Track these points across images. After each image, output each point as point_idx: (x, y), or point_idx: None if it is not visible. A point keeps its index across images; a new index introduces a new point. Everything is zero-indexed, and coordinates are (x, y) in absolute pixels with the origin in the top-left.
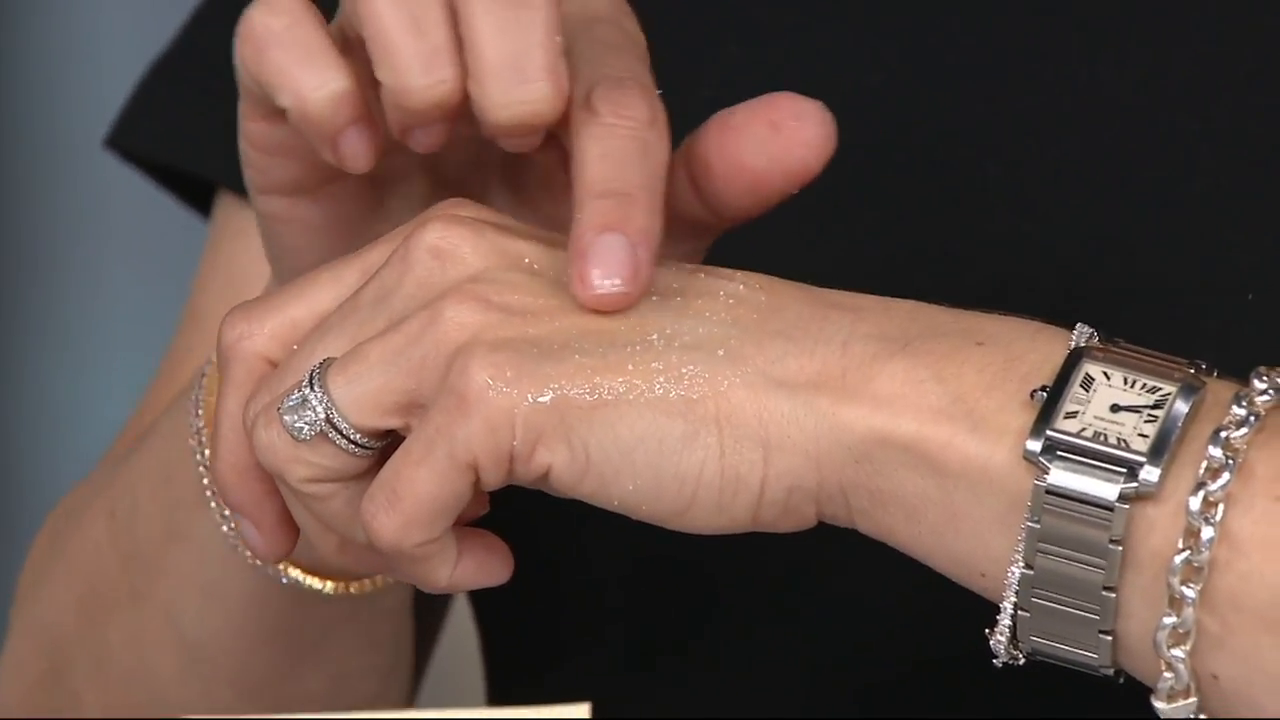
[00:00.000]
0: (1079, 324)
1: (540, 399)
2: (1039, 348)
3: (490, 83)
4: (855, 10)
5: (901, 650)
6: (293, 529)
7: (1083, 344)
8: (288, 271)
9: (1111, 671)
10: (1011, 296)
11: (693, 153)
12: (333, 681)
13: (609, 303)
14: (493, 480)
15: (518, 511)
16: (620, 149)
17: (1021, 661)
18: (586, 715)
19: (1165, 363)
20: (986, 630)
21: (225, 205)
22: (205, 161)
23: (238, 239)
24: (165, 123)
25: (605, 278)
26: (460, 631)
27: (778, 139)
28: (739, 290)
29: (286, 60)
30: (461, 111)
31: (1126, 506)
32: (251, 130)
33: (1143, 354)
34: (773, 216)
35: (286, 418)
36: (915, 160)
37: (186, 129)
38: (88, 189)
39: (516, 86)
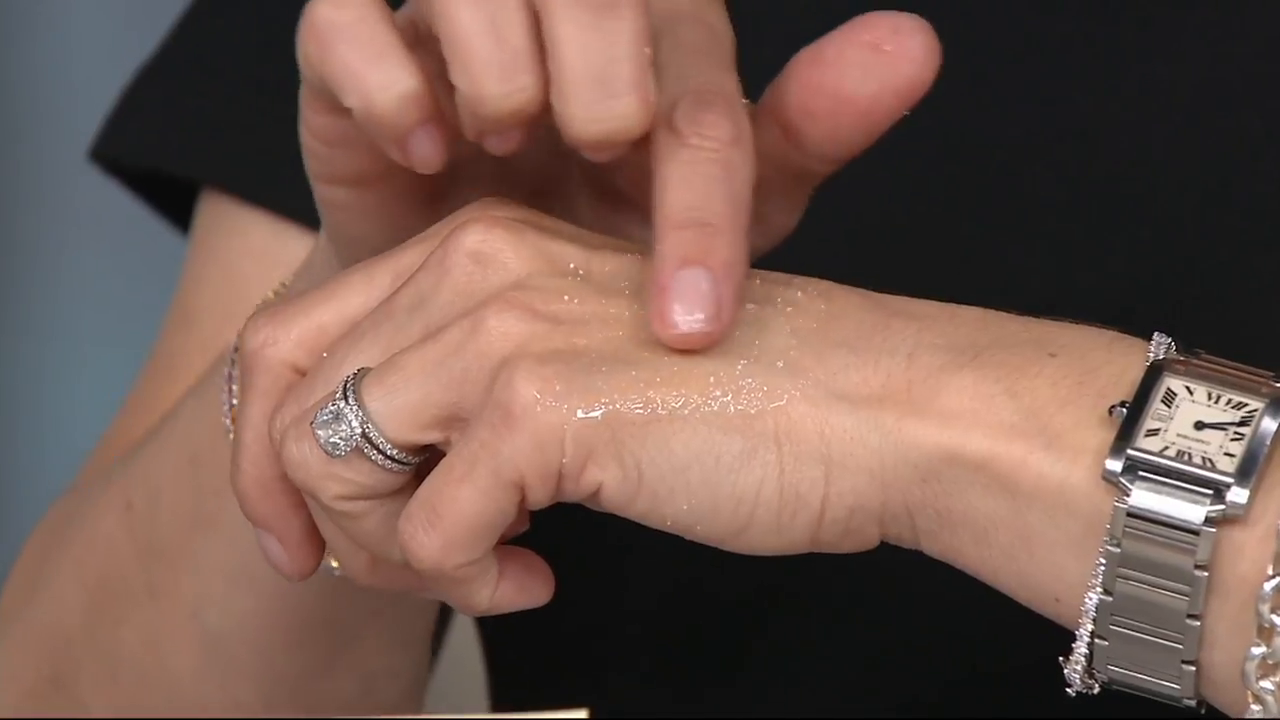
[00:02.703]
0: (1157, 333)
1: (591, 414)
2: (1116, 359)
3: (573, 96)
4: None
5: (949, 676)
6: (319, 544)
7: (1162, 355)
8: (350, 261)
9: (1193, 703)
10: (1068, 307)
11: (784, 100)
12: (362, 682)
13: (691, 341)
14: (540, 499)
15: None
16: (702, 173)
17: (1096, 691)
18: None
19: (1251, 376)
20: (1061, 658)
21: (214, 204)
22: (192, 162)
23: (233, 237)
24: (149, 128)
25: (687, 314)
26: (461, 638)
27: (881, 60)
28: (797, 297)
29: (353, 57)
30: (541, 117)
31: (1213, 530)
32: (314, 123)
33: (1226, 366)
34: (822, 229)
35: (320, 432)
36: (967, 168)
37: (172, 132)
38: (68, 190)
39: (602, 101)
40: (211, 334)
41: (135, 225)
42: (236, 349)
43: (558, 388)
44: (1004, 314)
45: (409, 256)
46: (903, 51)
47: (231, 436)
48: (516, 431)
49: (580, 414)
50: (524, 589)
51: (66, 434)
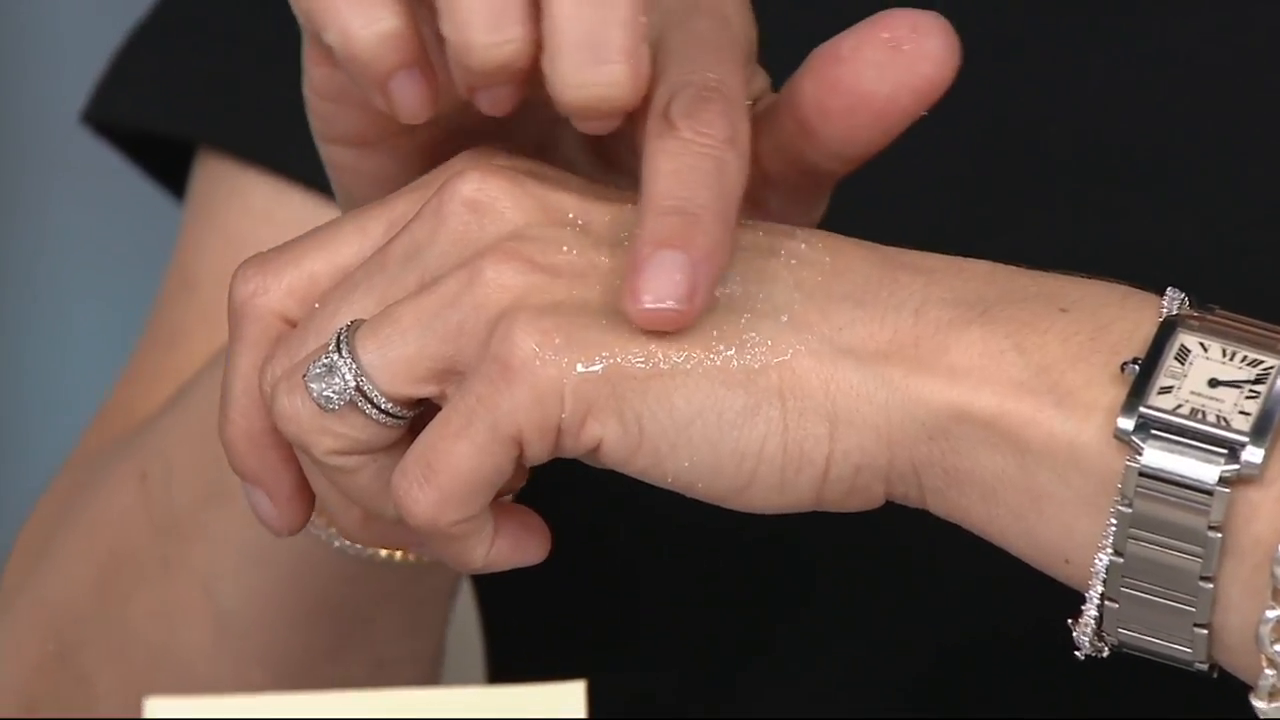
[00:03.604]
0: (1170, 288)
1: (591, 368)
2: (1128, 314)
3: (562, 59)
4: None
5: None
6: (309, 499)
7: (1175, 311)
8: None
9: (1205, 667)
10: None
11: (799, 97)
12: (374, 667)
13: (660, 321)
14: (538, 454)
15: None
16: (693, 167)
17: (1106, 654)
18: (581, 694)
19: (1266, 332)
20: (1070, 620)
21: (212, 167)
22: (189, 123)
23: (232, 199)
24: (144, 89)
25: (659, 296)
26: (458, 615)
27: (899, 59)
28: (800, 249)
29: None
30: (532, 76)
31: (1227, 491)
32: (314, 75)
33: (1241, 323)
34: (879, 218)
35: (313, 386)
36: (984, 137)
37: (167, 93)
38: (60, 154)
39: (590, 67)
40: (213, 300)
41: (130, 189)
42: None
43: (557, 340)
44: (1013, 268)
45: (403, 205)
46: (921, 50)
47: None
48: (515, 385)
49: (580, 368)
50: (520, 547)
51: (55, 410)
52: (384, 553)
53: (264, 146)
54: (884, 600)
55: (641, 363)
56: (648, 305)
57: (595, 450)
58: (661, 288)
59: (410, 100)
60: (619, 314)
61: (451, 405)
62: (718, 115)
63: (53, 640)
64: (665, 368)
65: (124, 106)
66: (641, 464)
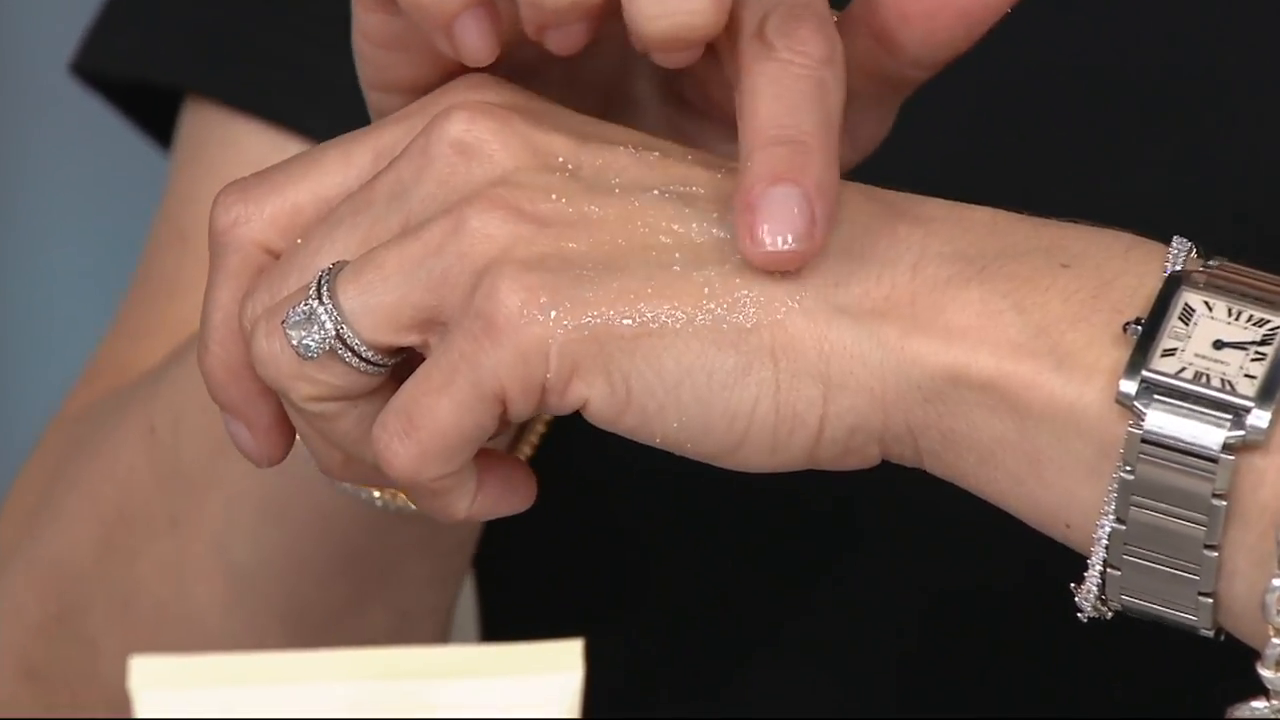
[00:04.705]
0: (1176, 238)
1: (578, 327)
2: (1132, 268)
3: None
4: None
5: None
6: (289, 431)
7: (1180, 265)
8: None
9: (1211, 633)
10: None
11: (877, 5)
12: (397, 619)
13: (780, 262)
14: (522, 412)
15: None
16: (795, 90)
17: (1110, 617)
18: (579, 652)
19: (1272, 287)
20: (1072, 585)
21: (202, 116)
22: (179, 71)
23: (225, 149)
24: (133, 37)
25: (777, 234)
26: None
27: None
28: None
29: None
30: (606, 10)
31: (1231, 458)
32: (366, 22)
33: (1248, 276)
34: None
35: (292, 333)
36: (1008, 83)
37: (156, 43)
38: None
39: None
40: (205, 250)
41: (114, 139)
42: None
43: (543, 299)
44: (1015, 216)
45: (389, 135)
46: None
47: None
48: (498, 343)
49: (566, 326)
50: (503, 499)
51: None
52: (410, 504)
53: (258, 94)
54: (881, 562)
55: (629, 321)
56: (767, 247)
57: (581, 409)
58: (780, 226)
59: (475, 41)
60: (607, 267)
61: (434, 360)
62: (814, 33)
63: (54, 601)
64: (654, 327)
65: (113, 55)
66: (629, 423)
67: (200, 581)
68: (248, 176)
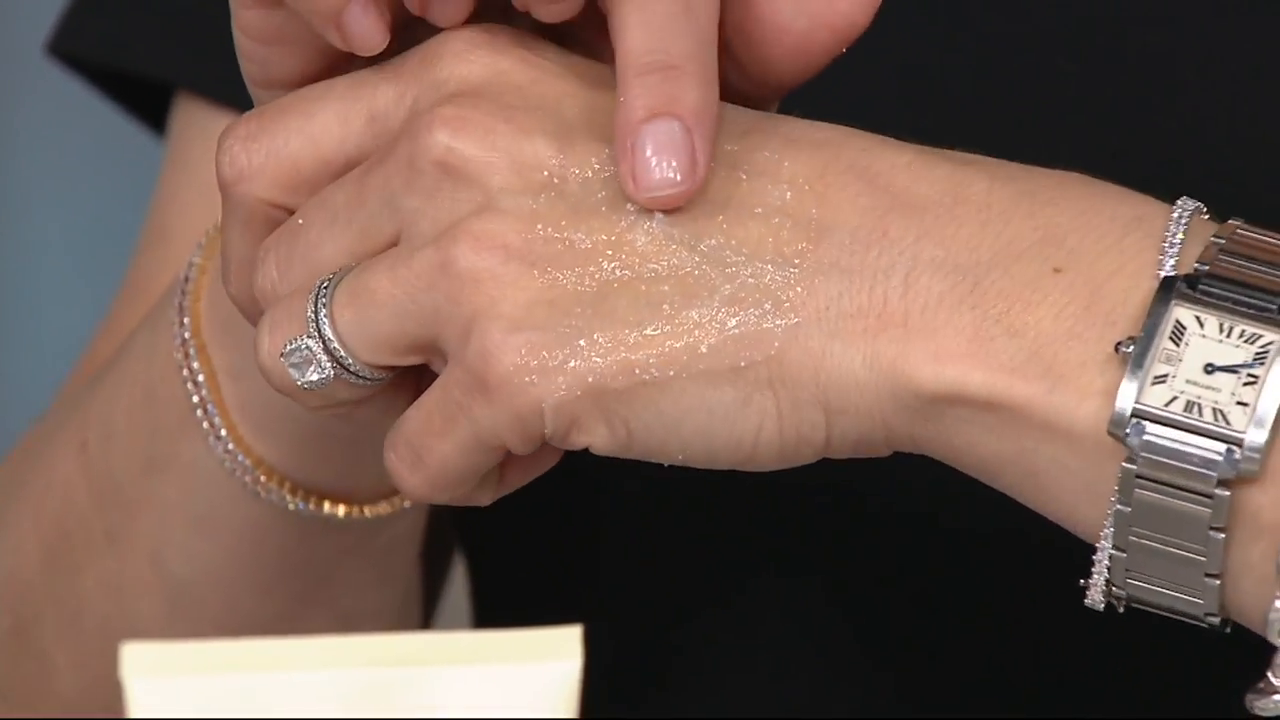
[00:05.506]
0: (1183, 200)
1: (572, 388)
2: (1126, 265)
3: None
4: None
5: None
6: None
7: (1176, 258)
8: None
9: (1217, 621)
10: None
11: (725, 22)
12: (339, 622)
13: (666, 203)
14: (525, 453)
15: None
16: (662, 13)
17: (1122, 609)
18: (578, 638)
19: (1271, 277)
20: (1081, 581)
21: (188, 111)
22: (163, 64)
23: (207, 145)
24: (115, 24)
25: (660, 174)
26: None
27: None
28: (785, 199)
29: None
30: None
31: (1227, 494)
32: (246, 19)
33: (1255, 252)
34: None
35: (294, 371)
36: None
37: (139, 30)
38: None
39: None
40: (185, 252)
41: (113, 139)
42: (187, 276)
43: (533, 363)
44: (1010, 194)
45: (383, 97)
46: None
47: (185, 372)
48: (493, 404)
49: (559, 386)
50: (531, 467)
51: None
52: (341, 510)
53: (240, 88)
54: (879, 556)
55: (622, 377)
56: (653, 191)
57: (586, 449)
58: (662, 166)
59: (366, 31)
60: (596, 310)
61: (435, 399)
62: None
63: (8, 615)
64: (647, 378)
65: (93, 40)
66: (636, 455)
67: (141, 597)
68: (248, 116)
